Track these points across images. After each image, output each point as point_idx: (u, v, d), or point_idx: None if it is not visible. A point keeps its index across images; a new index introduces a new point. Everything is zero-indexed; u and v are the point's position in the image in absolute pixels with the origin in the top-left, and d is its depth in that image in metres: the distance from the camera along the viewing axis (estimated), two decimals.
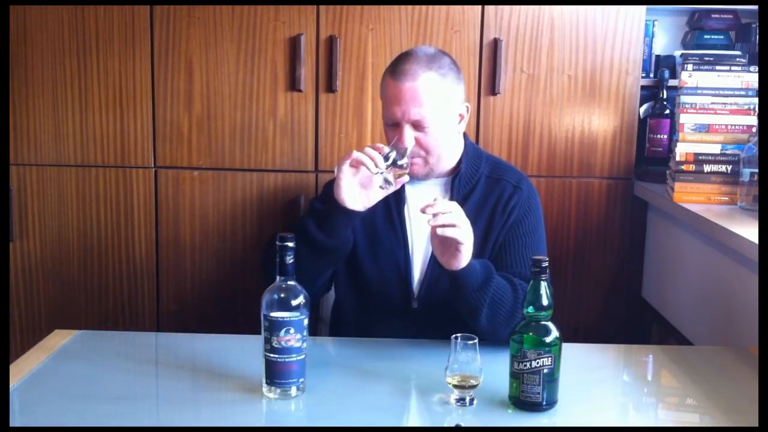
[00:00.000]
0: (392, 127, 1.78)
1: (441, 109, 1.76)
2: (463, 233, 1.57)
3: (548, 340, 1.37)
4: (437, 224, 1.55)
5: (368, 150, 1.68)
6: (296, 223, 1.85)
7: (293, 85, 2.47)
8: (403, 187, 1.83)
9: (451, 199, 1.80)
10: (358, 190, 1.70)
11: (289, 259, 1.41)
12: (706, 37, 2.72)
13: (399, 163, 1.69)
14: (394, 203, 1.85)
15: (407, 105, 1.73)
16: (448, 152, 1.84)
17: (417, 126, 1.75)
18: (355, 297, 1.88)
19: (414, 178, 1.82)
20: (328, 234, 1.72)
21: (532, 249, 1.79)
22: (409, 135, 1.75)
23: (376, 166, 1.66)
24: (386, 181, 1.69)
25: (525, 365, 1.37)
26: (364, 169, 1.68)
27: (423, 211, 1.55)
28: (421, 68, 1.74)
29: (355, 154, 1.67)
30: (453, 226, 1.55)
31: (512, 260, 1.79)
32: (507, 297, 1.64)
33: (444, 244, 1.60)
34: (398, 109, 1.74)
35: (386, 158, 1.68)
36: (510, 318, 1.62)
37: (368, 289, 1.86)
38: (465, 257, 1.60)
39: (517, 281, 1.68)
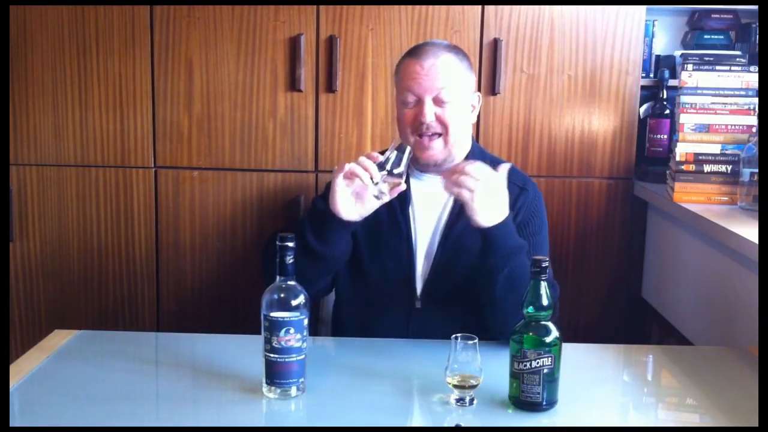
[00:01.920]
0: (410, 105, 1.80)
1: (459, 88, 1.81)
2: (474, 194, 1.62)
3: (548, 340, 1.37)
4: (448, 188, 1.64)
5: (362, 160, 1.67)
6: (295, 225, 1.85)
7: (293, 85, 2.47)
8: (408, 184, 1.83)
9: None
10: (354, 201, 1.69)
11: (289, 259, 1.41)
12: (706, 37, 2.72)
13: (395, 172, 1.66)
14: (399, 202, 1.84)
15: (431, 80, 1.77)
16: (462, 138, 1.85)
17: (437, 102, 1.78)
18: (357, 296, 1.88)
19: (431, 163, 1.82)
20: (325, 243, 1.72)
21: (535, 250, 1.79)
22: (429, 109, 1.77)
23: (371, 176, 1.65)
24: (381, 191, 1.67)
25: (525, 365, 1.37)
26: (358, 179, 1.67)
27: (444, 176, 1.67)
28: (440, 49, 1.82)
29: (349, 166, 1.66)
30: (466, 187, 1.62)
31: None
32: (526, 275, 1.65)
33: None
34: (420, 84, 1.78)
35: (381, 166, 1.65)
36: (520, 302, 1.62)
37: (370, 289, 1.86)
38: (482, 214, 1.64)
39: None
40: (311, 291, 1.68)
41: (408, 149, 1.68)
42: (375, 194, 1.67)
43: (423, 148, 1.80)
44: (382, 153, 1.69)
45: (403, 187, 1.70)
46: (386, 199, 1.69)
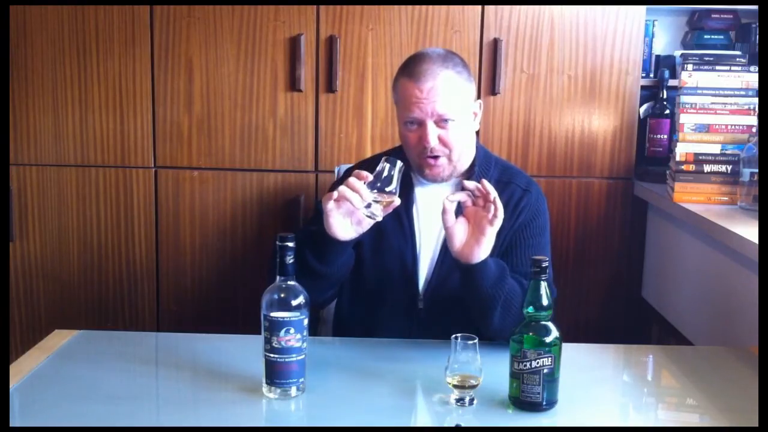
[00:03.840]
0: (412, 127, 1.77)
1: (460, 105, 1.77)
2: (498, 213, 1.59)
3: (548, 340, 1.37)
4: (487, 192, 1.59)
5: (352, 182, 1.60)
6: (297, 231, 1.82)
7: (293, 85, 2.47)
8: (412, 187, 1.83)
9: None
10: (349, 221, 1.66)
11: (289, 259, 1.41)
12: (706, 37, 2.72)
13: (387, 189, 1.60)
14: (403, 203, 1.83)
15: (431, 103, 1.73)
16: (468, 151, 1.84)
17: (440, 123, 1.75)
18: (359, 296, 1.88)
19: (438, 179, 1.81)
20: (325, 263, 1.70)
21: (537, 251, 1.78)
22: (432, 133, 1.74)
23: (362, 197, 1.59)
24: (372, 213, 1.61)
25: (525, 365, 1.37)
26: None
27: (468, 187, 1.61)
28: (438, 66, 1.74)
29: (339, 190, 1.60)
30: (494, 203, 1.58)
31: (517, 260, 1.78)
32: (518, 297, 1.64)
33: (470, 226, 1.61)
34: (422, 108, 1.73)
35: (373, 185, 1.59)
36: (519, 319, 1.61)
37: (373, 289, 1.85)
38: (486, 247, 1.60)
39: (524, 282, 1.68)
40: (316, 301, 1.68)
41: (399, 164, 1.62)
42: (367, 215, 1.62)
43: (429, 166, 1.78)
44: (376, 159, 1.64)
45: (398, 202, 1.64)
46: (379, 218, 1.63)
